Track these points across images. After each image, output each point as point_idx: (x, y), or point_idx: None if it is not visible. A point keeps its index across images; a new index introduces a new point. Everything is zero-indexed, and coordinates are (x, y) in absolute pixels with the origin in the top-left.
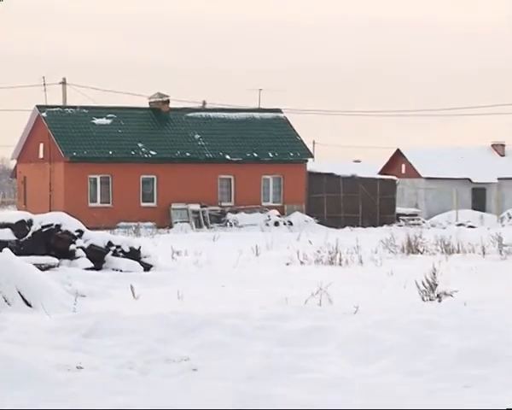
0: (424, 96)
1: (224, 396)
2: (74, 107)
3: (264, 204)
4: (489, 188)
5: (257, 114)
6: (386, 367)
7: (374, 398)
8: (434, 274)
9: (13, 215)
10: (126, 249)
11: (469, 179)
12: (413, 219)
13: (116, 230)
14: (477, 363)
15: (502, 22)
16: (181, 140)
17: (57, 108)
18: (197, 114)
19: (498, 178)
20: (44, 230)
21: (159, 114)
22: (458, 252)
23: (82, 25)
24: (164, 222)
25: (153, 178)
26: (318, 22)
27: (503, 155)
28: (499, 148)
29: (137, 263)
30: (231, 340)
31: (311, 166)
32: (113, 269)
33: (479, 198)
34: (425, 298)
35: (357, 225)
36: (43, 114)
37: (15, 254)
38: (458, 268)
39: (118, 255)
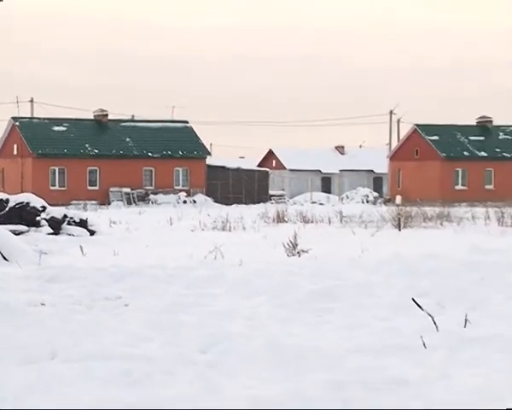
0: (290, 109)
1: (147, 322)
2: (39, 118)
3: (175, 188)
4: (333, 177)
5: (171, 124)
6: (261, 302)
7: (251, 320)
8: (295, 237)
9: None
10: (77, 220)
11: (320, 171)
12: (280, 199)
13: (70, 206)
14: (325, 300)
15: (339, 53)
16: (116, 142)
17: (27, 119)
18: (128, 123)
19: (340, 170)
20: (18, 206)
21: (100, 123)
22: (312, 222)
23: (49, 57)
24: (104, 201)
25: (96, 169)
26: (218, 58)
27: (343, 154)
28: (340, 149)
29: (85, 230)
30: (152, 284)
31: (209, 161)
32: (67, 234)
33: (326, 184)
34: (289, 254)
35: (242, 203)
36: (17, 123)
37: None
38: (312, 233)
39: (71, 224)
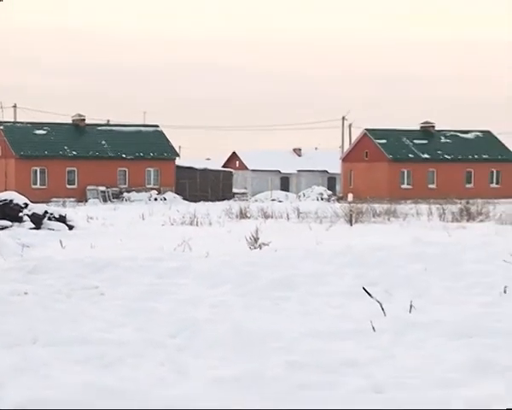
0: (252, 115)
1: (122, 309)
2: (22, 122)
3: (147, 186)
4: (291, 177)
5: (142, 128)
6: (225, 291)
7: (216, 307)
8: (257, 232)
9: None
10: (57, 216)
11: (279, 171)
12: (243, 197)
13: (50, 203)
14: (283, 288)
15: (296, 63)
16: (93, 144)
17: (10, 123)
18: (104, 127)
19: (297, 170)
20: (1, 203)
21: (78, 127)
22: (272, 217)
23: (32, 68)
24: (82, 198)
25: (74, 170)
26: (186, 67)
27: (300, 156)
28: (297, 151)
29: (64, 225)
30: (126, 274)
31: (178, 162)
32: (48, 229)
33: (285, 183)
34: (251, 247)
35: (208, 200)
36: (1, 127)
37: None
38: (272, 228)
39: (51, 220)
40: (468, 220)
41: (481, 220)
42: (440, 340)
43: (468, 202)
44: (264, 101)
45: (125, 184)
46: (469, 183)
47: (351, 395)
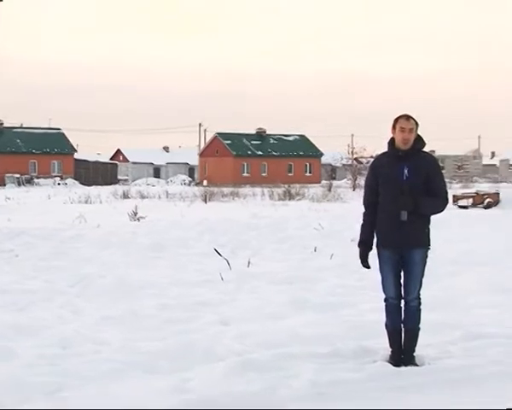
0: (132, 119)
1: (33, 267)
2: None
3: (52, 174)
4: (161, 168)
5: (48, 130)
6: (112, 252)
7: (105, 265)
8: (136, 208)
9: None
10: None
11: (152, 163)
12: (125, 182)
13: None
14: (157, 250)
15: (161, 81)
16: (9, 143)
17: None
18: (18, 129)
19: (166, 163)
20: None
21: None
22: (147, 198)
23: None
24: (1, 183)
25: None
26: (85, 82)
27: (168, 152)
28: (166, 148)
29: None
30: (36, 240)
31: (76, 156)
32: None
33: (157, 172)
34: (132, 219)
35: (99, 185)
36: None
37: None
38: (147, 205)
39: None
40: (289, 199)
41: (299, 199)
42: (270, 286)
43: (289, 186)
44: (140, 106)
45: (35, 172)
46: (290, 172)
47: (205, 326)
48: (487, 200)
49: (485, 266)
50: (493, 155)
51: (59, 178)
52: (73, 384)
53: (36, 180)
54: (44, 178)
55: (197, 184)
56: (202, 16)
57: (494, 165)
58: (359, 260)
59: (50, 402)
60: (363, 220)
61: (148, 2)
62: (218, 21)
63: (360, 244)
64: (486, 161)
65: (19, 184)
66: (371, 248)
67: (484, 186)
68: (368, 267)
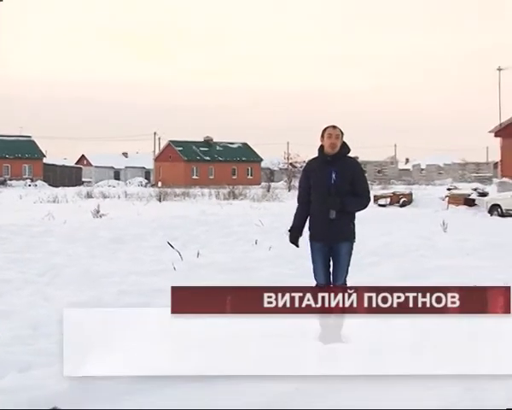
0: (97, 127)
1: (7, 259)
2: None
3: (24, 177)
4: (121, 171)
5: (20, 138)
6: (78, 245)
7: (71, 256)
8: (98, 206)
9: None
10: None
11: (113, 167)
12: (89, 184)
13: None
14: (117, 243)
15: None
16: None
17: None
18: None
19: (125, 167)
20: None
21: None
22: (108, 198)
23: None
24: None
25: None
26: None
27: (127, 157)
28: (125, 154)
29: None
30: (9, 235)
31: (45, 160)
32: None
33: (117, 175)
34: (94, 217)
35: (66, 186)
36: None
37: None
38: (109, 204)
39: None
40: (233, 199)
41: (242, 199)
42: (217, 275)
43: (233, 188)
44: (103, 119)
45: (8, 175)
46: (234, 175)
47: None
48: (402, 199)
49: (402, 257)
50: (407, 160)
51: (29, 181)
52: (43, 362)
53: (9, 182)
54: (16, 180)
55: (152, 186)
56: (158, 38)
57: (408, 169)
58: (289, 239)
59: (25, 380)
60: (296, 212)
61: (107, 24)
62: (171, 44)
63: (292, 229)
64: (401, 166)
65: None
66: (301, 234)
67: (399, 188)
68: (297, 246)
